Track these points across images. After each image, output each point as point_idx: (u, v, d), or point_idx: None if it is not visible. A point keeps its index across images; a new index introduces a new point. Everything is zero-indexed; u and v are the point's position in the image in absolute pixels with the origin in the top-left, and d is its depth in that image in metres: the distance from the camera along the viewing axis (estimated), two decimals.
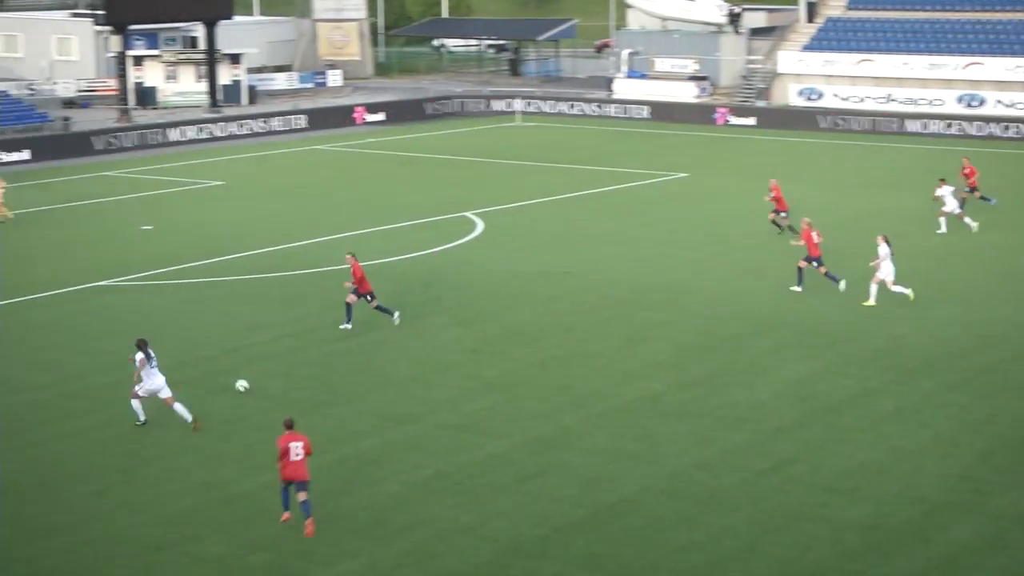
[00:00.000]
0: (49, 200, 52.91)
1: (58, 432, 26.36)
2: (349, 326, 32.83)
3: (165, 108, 79.10)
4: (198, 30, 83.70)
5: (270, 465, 22.74)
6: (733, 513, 22.22)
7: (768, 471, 24.01)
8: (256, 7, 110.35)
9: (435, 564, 20.58)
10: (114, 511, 22.56)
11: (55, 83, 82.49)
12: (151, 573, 20.37)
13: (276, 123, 73.77)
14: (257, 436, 25.70)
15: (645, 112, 78.92)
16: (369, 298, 32.95)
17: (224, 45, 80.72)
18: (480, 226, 46.32)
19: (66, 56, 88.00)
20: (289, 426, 22.17)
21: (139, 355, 26.16)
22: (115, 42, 76.88)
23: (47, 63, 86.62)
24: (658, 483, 23.53)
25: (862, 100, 75.30)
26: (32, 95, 77.15)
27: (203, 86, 79.36)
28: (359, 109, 78.39)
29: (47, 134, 67.01)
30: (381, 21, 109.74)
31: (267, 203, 52.01)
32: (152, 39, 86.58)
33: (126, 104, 75.23)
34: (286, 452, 21.80)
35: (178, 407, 26.34)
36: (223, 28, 79.73)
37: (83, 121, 71.28)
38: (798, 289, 36.23)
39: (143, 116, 74.94)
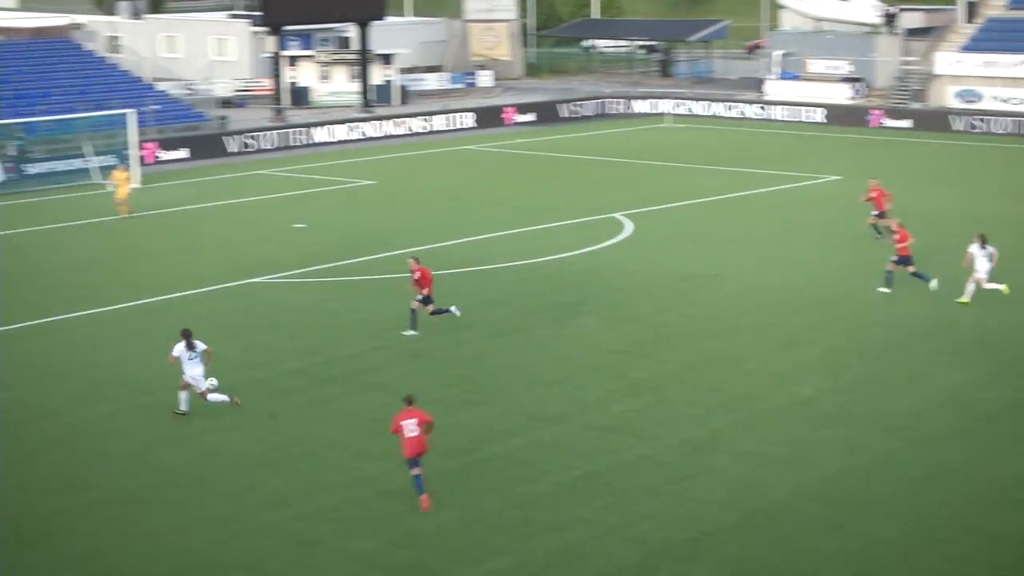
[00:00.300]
0: (206, 198, 53.99)
1: (214, 425, 26.79)
2: (458, 312, 32.83)
3: (318, 108, 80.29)
4: (351, 31, 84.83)
5: None
6: (886, 522, 21.73)
7: (923, 480, 23.45)
8: (408, 8, 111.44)
9: (583, 565, 20.47)
10: (264, 505, 22.86)
11: (212, 83, 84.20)
12: (302, 567, 20.58)
13: (427, 123, 74.34)
14: None
15: (798, 114, 77.87)
16: (426, 302, 32.54)
17: (376, 45, 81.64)
18: (629, 227, 46.09)
19: (223, 56, 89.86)
20: (409, 402, 22.52)
21: (179, 345, 26.63)
22: (271, 43, 78.19)
23: (205, 63, 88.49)
24: (809, 489, 23.13)
25: (1023, 102, 73.38)
26: (190, 95, 78.80)
27: (355, 86, 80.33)
28: (509, 109, 78.60)
29: (204, 133, 68.38)
30: (532, 22, 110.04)
31: (416, 202, 52.41)
32: (306, 40, 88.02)
33: (280, 104, 76.49)
34: (399, 431, 22.15)
35: (213, 397, 26.81)
36: (375, 29, 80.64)
37: (239, 120, 72.62)
38: (886, 290, 35.96)
39: (297, 115, 76.16)
